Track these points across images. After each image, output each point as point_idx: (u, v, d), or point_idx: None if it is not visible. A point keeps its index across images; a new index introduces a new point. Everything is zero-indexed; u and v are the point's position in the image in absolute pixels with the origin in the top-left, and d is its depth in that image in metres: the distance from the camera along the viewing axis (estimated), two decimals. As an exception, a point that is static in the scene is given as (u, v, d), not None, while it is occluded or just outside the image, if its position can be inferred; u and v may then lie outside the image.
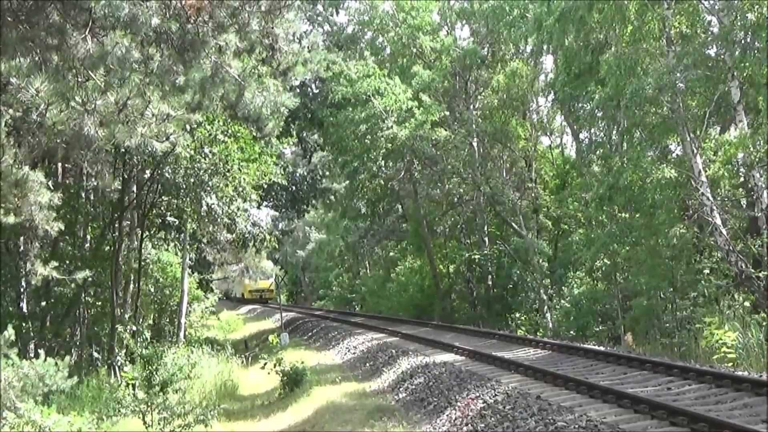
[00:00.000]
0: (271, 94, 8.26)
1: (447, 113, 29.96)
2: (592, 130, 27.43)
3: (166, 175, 19.30)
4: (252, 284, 66.68)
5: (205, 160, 19.02)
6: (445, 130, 30.05)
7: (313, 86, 33.19)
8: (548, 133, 34.74)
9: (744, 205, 19.27)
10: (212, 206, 20.15)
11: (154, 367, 12.54)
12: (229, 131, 19.29)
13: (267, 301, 66.95)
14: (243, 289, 69.13)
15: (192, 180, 19.23)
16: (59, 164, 19.05)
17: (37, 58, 7.84)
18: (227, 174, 19.58)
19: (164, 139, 7.23)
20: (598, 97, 20.88)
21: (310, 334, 29.47)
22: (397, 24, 30.89)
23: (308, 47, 9.26)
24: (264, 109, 8.14)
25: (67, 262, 18.39)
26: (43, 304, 18.96)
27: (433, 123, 28.53)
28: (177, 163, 18.74)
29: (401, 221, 40.80)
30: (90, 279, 19.14)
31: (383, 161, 30.10)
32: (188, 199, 19.93)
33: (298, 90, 28.81)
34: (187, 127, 12.90)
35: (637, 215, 19.87)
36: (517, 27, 27.02)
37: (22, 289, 18.25)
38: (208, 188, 19.52)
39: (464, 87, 31.09)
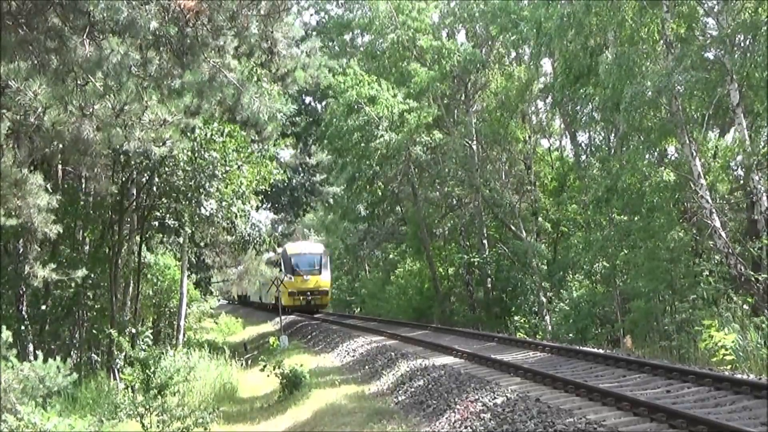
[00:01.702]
0: (268, 100, 8.27)
1: (443, 114, 30.07)
2: (591, 133, 27.49)
3: (165, 178, 19.29)
4: (297, 280, 37.07)
5: (203, 162, 19.02)
6: (443, 133, 30.12)
7: (311, 95, 33.37)
8: (547, 136, 34.79)
9: (743, 208, 19.29)
10: (211, 209, 20.16)
11: (152, 370, 12.53)
12: (226, 131, 19.27)
13: (317, 309, 38.29)
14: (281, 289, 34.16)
15: (190, 183, 19.23)
16: (58, 166, 19.07)
17: (36, 62, 7.84)
18: (225, 176, 19.58)
19: (162, 143, 7.24)
20: (597, 100, 20.90)
21: (309, 336, 29.44)
22: (396, 26, 30.94)
23: (307, 52, 9.28)
24: (261, 114, 8.15)
25: (66, 264, 18.39)
26: (43, 306, 18.96)
27: (428, 126, 28.62)
28: (175, 166, 18.74)
29: (401, 224, 40.80)
30: (89, 281, 19.15)
31: (378, 167, 30.20)
32: (187, 201, 19.93)
33: (296, 93, 28.99)
34: (186, 131, 12.91)
35: (636, 218, 19.87)
36: (512, 32, 27.24)
37: (21, 292, 18.25)
38: (207, 191, 19.52)
39: (463, 90, 31.14)
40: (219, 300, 53.17)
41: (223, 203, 20.18)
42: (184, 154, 18.06)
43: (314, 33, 34.32)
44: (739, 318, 14.43)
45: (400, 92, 29.01)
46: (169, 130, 7.11)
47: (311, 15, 37.14)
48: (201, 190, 19.43)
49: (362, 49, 34.47)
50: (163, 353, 13.20)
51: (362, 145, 28.73)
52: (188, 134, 16.39)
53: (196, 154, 18.82)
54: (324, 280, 37.90)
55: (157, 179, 19.62)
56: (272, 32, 8.55)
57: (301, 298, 36.99)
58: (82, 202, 20.31)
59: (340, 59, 32.37)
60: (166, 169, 18.74)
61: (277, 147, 24.48)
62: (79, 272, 14.05)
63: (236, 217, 21.09)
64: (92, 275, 18.99)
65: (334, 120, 29.75)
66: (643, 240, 18.79)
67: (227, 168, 19.49)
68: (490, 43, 30.93)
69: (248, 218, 23.39)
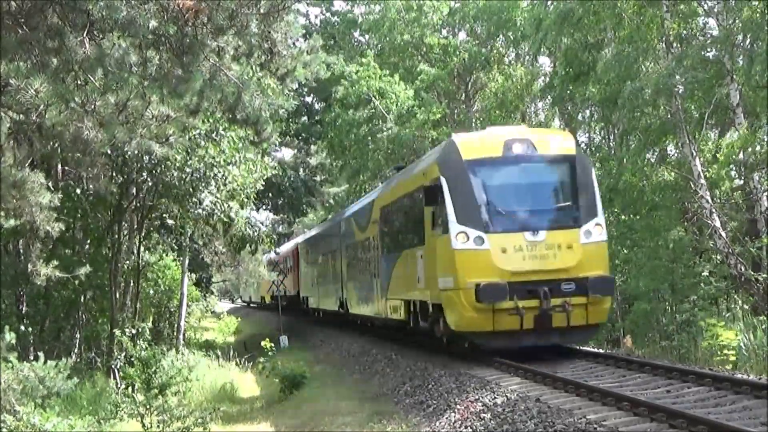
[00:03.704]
0: (269, 97, 8.25)
1: (447, 111, 30.22)
2: (591, 133, 27.52)
3: (161, 177, 19.26)
4: (504, 246, 12.19)
5: (196, 162, 19.02)
6: (446, 128, 30.27)
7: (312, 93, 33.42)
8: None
9: (743, 208, 19.30)
10: (208, 206, 20.13)
11: (152, 370, 12.55)
12: (220, 129, 19.19)
13: (572, 336, 12.81)
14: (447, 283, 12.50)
15: (186, 185, 19.21)
16: (58, 166, 19.06)
17: (36, 61, 7.85)
18: (215, 177, 19.58)
19: (164, 140, 7.24)
20: (598, 99, 20.95)
21: (309, 336, 29.46)
22: (406, 24, 30.98)
23: (307, 51, 9.26)
24: (263, 111, 8.12)
25: (67, 264, 18.36)
26: (43, 306, 18.95)
27: (433, 123, 28.76)
28: (171, 166, 18.71)
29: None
30: (89, 281, 19.14)
31: (384, 162, 30.25)
32: (185, 201, 19.91)
33: (297, 90, 29.11)
34: (186, 129, 12.90)
35: (637, 217, 19.88)
36: (511, 30, 27.47)
37: (21, 292, 18.25)
38: (200, 189, 19.50)
39: (464, 89, 31.26)
40: (219, 299, 52.46)
41: (218, 205, 20.18)
42: (178, 153, 18.05)
43: (317, 32, 34.39)
44: (740, 318, 14.43)
45: (408, 86, 29.16)
46: (172, 126, 7.09)
47: (315, 16, 37.10)
48: (197, 189, 19.42)
49: (369, 47, 34.56)
50: (164, 352, 13.21)
51: (369, 138, 28.88)
52: (185, 133, 16.37)
53: (190, 154, 18.80)
54: (595, 239, 12.84)
55: (155, 178, 19.56)
56: (271, 32, 8.53)
57: (525, 307, 12.23)
58: (81, 202, 20.29)
59: (346, 57, 32.39)
60: (163, 167, 18.70)
61: (273, 146, 24.52)
62: (82, 270, 14.00)
63: (234, 215, 21.07)
64: (92, 275, 18.97)
65: (337, 117, 29.78)
66: (644, 239, 18.82)
67: (217, 171, 19.49)
68: (490, 43, 31.03)
69: (247, 218, 23.37)
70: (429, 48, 30.52)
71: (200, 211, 19.93)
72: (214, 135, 19.10)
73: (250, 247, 22.94)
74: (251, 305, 52.96)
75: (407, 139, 28.05)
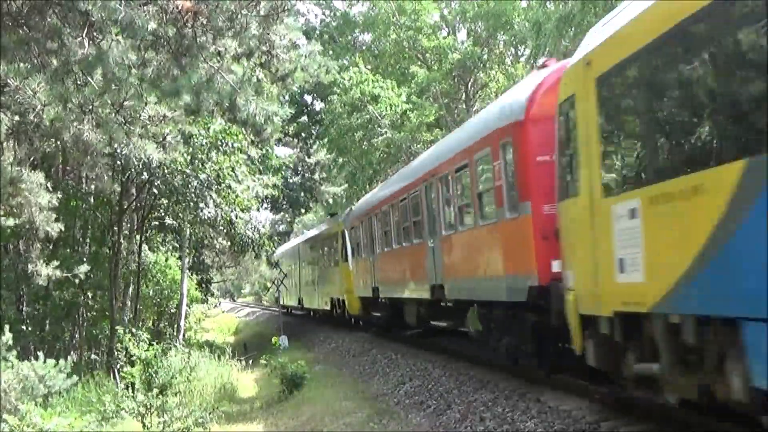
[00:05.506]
0: (264, 102, 8.22)
1: (444, 113, 30.26)
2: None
3: (164, 179, 19.30)
4: None
5: (202, 168, 19.06)
6: (442, 130, 30.34)
7: (312, 93, 33.47)
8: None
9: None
10: (210, 213, 20.19)
11: (153, 370, 12.56)
12: (226, 142, 19.31)
13: None
14: None
15: (189, 186, 19.25)
16: (59, 166, 19.08)
17: (35, 61, 7.86)
18: (219, 188, 19.68)
19: (161, 139, 7.25)
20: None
21: (309, 336, 29.46)
22: (397, 26, 31.08)
23: (305, 55, 9.24)
24: (258, 117, 8.09)
25: (67, 264, 18.40)
26: (43, 306, 18.98)
27: (429, 125, 28.84)
28: (175, 170, 18.74)
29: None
30: (89, 281, 19.18)
31: (381, 164, 30.37)
32: (187, 203, 19.95)
33: (296, 93, 29.20)
34: (185, 132, 12.90)
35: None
36: (508, 33, 27.56)
37: (21, 292, 18.28)
38: (205, 195, 19.56)
39: (464, 89, 31.29)
40: (220, 300, 52.02)
41: (220, 211, 20.24)
42: (182, 157, 18.10)
43: (316, 33, 34.47)
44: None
45: (402, 91, 29.23)
46: (169, 126, 7.09)
47: (316, 16, 37.26)
48: (200, 194, 19.47)
49: (365, 48, 34.65)
50: (165, 351, 13.22)
51: (364, 143, 29.00)
52: (186, 137, 16.40)
53: (195, 159, 18.85)
54: None
55: (157, 179, 19.61)
56: (270, 35, 8.49)
57: None
58: (82, 202, 20.31)
59: (342, 58, 32.46)
60: (165, 169, 18.74)
61: (278, 160, 24.70)
62: (82, 268, 14.12)
63: (234, 220, 21.12)
64: (92, 275, 19.01)
65: (336, 120, 29.88)
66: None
67: (221, 181, 19.60)
68: (490, 42, 31.07)
69: (247, 221, 23.40)
70: (424, 50, 30.62)
71: (202, 214, 19.99)
72: (219, 144, 19.22)
73: (252, 251, 22.97)
74: (297, 312, 33.70)
75: (402, 142, 28.17)
